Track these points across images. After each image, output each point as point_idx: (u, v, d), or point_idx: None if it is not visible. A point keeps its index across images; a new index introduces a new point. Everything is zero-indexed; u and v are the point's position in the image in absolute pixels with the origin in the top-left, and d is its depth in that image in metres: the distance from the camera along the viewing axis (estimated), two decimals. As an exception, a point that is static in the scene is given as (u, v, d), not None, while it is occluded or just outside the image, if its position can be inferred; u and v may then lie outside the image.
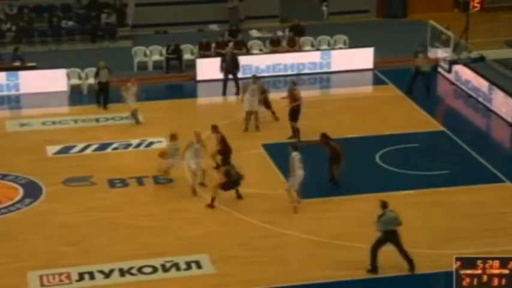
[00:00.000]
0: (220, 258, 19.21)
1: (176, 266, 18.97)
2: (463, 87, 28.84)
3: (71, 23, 33.54)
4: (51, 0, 34.07)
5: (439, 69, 29.93)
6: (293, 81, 25.73)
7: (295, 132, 24.70)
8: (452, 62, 27.73)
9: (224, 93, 28.59)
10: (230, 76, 28.75)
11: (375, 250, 18.32)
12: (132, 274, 18.72)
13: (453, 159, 23.97)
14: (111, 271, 18.78)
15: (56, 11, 33.91)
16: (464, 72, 28.81)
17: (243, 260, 19.26)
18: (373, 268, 18.43)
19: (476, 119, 27.45)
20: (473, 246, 19.29)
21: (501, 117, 26.70)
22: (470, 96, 28.28)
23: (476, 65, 27.36)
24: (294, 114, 24.66)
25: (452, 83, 29.56)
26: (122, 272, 18.76)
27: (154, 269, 18.89)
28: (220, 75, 28.75)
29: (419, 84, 28.18)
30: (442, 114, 27.35)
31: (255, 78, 26.04)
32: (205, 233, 20.36)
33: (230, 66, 28.67)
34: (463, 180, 22.62)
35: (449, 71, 28.71)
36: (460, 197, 21.69)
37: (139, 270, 18.85)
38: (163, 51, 31.17)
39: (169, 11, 34.61)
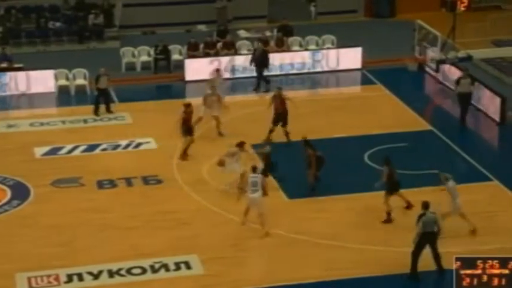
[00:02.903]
0: (210, 259, 19.18)
1: (165, 267, 18.93)
2: (451, 86, 28.89)
3: (58, 24, 33.44)
4: (39, 1, 33.96)
5: (427, 69, 30.08)
6: (279, 87, 25.66)
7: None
8: (440, 62, 27.82)
9: (267, 89, 28.57)
10: (262, 72, 28.91)
11: (416, 254, 18.20)
12: (121, 275, 18.67)
13: (441, 159, 24.01)
14: (100, 272, 18.72)
15: (44, 12, 33.80)
16: (451, 72, 28.88)
17: (233, 261, 19.25)
18: (413, 272, 18.27)
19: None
20: (463, 245, 19.34)
21: (489, 116, 26.78)
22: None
23: (464, 64, 27.42)
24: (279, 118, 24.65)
25: (440, 82, 29.64)
26: (111, 273, 18.71)
27: (143, 270, 18.85)
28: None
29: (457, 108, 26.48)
30: (430, 114, 27.40)
31: (214, 88, 25.63)
32: (194, 233, 20.33)
33: (259, 63, 28.79)
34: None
35: (436, 70, 28.81)
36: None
37: (128, 271, 18.81)
38: (152, 52, 31.12)
39: (157, 12, 34.54)
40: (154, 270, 18.84)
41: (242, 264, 19.17)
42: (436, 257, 18.38)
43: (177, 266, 18.97)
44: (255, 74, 29.23)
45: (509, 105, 26.43)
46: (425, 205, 18.33)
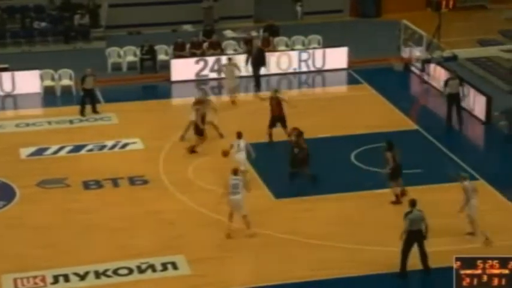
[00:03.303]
0: (197, 259, 19.17)
1: (152, 268, 18.90)
2: (436, 86, 28.99)
3: (43, 24, 33.31)
4: (24, 1, 33.82)
5: (413, 68, 30.19)
6: (275, 89, 25.74)
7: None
8: (426, 61, 27.92)
9: (256, 91, 28.76)
10: (258, 71, 29.03)
11: (405, 252, 18.24)
12: (108, 276, 18.63)
13: (427, 158, 24.08)
14: (86, 273, 18.67)
15: (29, 12, 33.65)
16: (437, 71, 28.97)
17: (220, 261, 19.24)
18: (402, 270, 18.29)
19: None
20: (449, 244, 19.41)
21: (474, 116, 26.89)
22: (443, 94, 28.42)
23: (450, 64, 27.52)
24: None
25: (425, 82, 29.72)
26: (97, 274, 18.66)
27: (130, 271, 18.81)
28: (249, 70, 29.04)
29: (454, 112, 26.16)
30: (415, 113, 27.47)
31: (203, 89, 25.97)
32: (181, 234, 20.31)
33: (256, 62, 28.87)
34: (437, 178, 22.75)
35: (422, 70, 28.90)
36: (434, 195, 21.81)
37: (115, 272, 18.76)
38: (138, 52, 31.06)
39: (143, 12, 34.48)
40: (141, 271, 18.81)
41: (229, 265, 19.16)
42: (423, 256, 18.43)
43: (164, 267, 18.94)
44: (252, 73, 29.19)
45: (495, 104, 26.54)
46: (413, 203, 18.39)
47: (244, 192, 19.89)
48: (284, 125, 24.54)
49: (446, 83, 26.53)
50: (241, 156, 22.07)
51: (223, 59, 29.98)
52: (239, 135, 22.31)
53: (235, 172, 20.09)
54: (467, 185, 19.69)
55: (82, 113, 27.07)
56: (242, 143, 22.21)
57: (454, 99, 26.25)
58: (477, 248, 19.07)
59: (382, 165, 21.52)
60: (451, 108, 26.28)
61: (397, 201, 21.17)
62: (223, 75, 28.45)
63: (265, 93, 28.07)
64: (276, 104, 24.67)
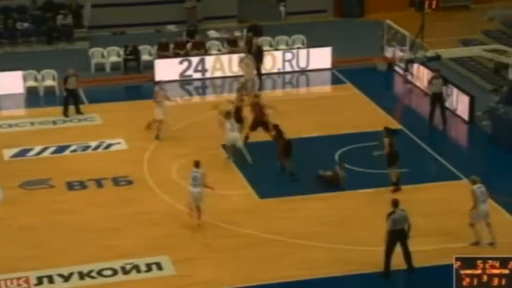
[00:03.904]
0: (182, 260, 19.15)
1: (136, 268, 18.86)
2: (420, 85, 29.09)
3: (26, 25, 33.16)
4: (6, 1, 33.65)
5: (396, 68, 30.29)
6: (256, 95, 25.72)
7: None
8: (409, 61, 28.03)
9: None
10: (259, 68, 29.00)
11: (388, 252, 18.26)
12: (92, 277, 18.58)
13: (411, 158, 24.13)
14: (71, 274, 18.61)
15: (11, 13, 33.49)
16: (420, 71, 29.06)
17: (205, 261, 19.23)
18: (386, 270, 18.32)
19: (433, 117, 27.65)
20: (433, 244, 19.49)
21: (457, 115, 27.01)
22: (426, 94, 28.53)
23: (433, 63, 27.62)
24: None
25: (409, 82, 29.82)
26: (82, 275, 18.60)
27: (115, 272, 18.77)
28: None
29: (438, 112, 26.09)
30: (399, 113, 27.55)
31: (160, 84, 25.85)
32: (166, 234, 20.28)
33: (255, 60, 28.85)
34: (421, 178, 22.83)
35: (406, 69, 29.00)
36: (418, 194, 21.89)
37: (99, 273, 18.71)
38: (121, 53, 30.99)
39: (127, 12, 34.40)
40: (125, 272, 18.77)
41: (214, 265, 19.15)
42: (407, 255, 18.49)
43: (149, 267, 18.90)
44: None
45: (478, 104, 26.65)
46: (395, 203, 18.44)
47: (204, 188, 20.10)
48: (266, 129, 24.43)
49: (430, 82, 26.63)
50: (236, 134, 23.21)
51: (206, 59, 30.08)
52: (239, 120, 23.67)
53: (196, 164, 20.18)
54: (474, 188, 19.52)
55: (65, 113, 26.98)
56: (236, 123, 23.39)
57: (437, 99, 26.34)
58: (463, 248, 19.11)
59: (378, 149, 21.93)
60: (434, 107, 26.37)
61: (396, 189, 21.37)
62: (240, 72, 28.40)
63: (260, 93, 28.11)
64: (259, 109, 24.61)
